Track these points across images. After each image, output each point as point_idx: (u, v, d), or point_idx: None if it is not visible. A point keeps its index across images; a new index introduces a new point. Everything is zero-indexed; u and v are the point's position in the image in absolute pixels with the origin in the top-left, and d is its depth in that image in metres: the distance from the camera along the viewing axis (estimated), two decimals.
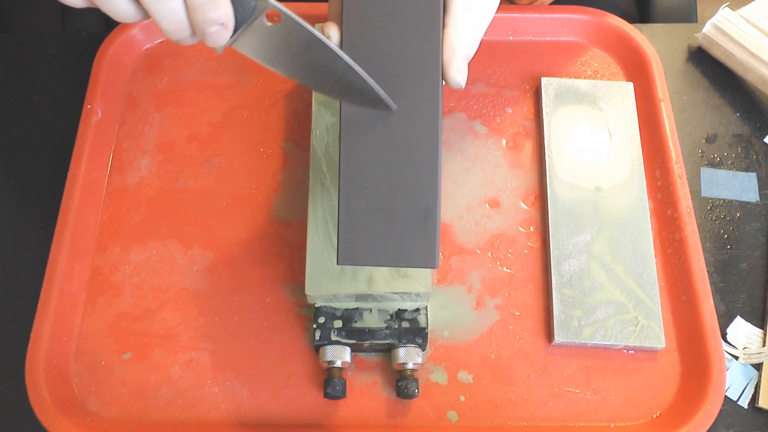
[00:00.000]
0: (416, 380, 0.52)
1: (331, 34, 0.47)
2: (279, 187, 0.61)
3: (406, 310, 0.53)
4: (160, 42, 0.69)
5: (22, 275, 0.58)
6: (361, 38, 0.47)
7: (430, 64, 0.47)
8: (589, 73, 0.68)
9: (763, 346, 0.56)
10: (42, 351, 0.53)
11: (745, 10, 0.67)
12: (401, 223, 0.46)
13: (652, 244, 0.58)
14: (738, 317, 0.57)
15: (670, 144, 0.62)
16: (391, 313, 0.53)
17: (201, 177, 0.62)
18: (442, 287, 0.57)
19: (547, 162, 0.61)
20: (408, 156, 0.46)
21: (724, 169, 0.64)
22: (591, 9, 0.69)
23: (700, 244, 0.57)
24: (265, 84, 0.66)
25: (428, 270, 0.53)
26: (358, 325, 0.53)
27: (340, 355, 0.52)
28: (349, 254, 0.46)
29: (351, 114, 0.47)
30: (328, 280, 0.52)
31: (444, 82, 0.48)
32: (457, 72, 0.47)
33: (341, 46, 0.47)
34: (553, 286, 0.56)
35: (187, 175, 0.62)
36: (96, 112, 0.63)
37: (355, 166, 0.46)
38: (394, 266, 0.46)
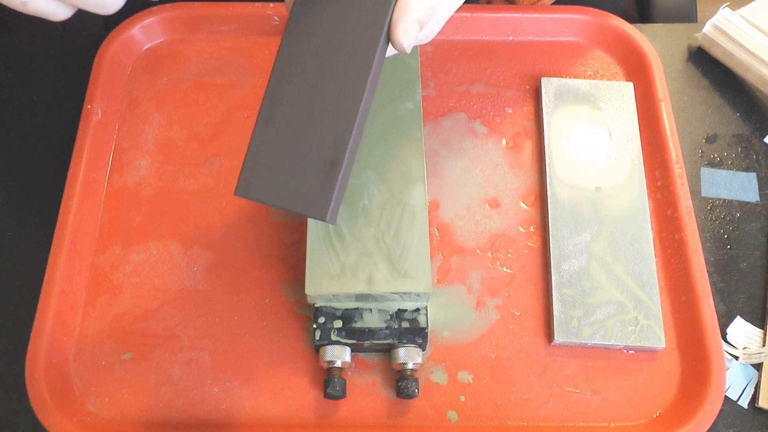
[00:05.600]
0: (416, 380, 0.52)
1: None
2: None
3: (406, 310, 0.53)
4: (160, 42, 0.69)
5: (22, 275, 0.58)
6: None
7: (378, 20, 0.46)
8: (589, 73, 0.68)
9: (763, 346, 0.56)
10: (42, 351, 0.53)
11: (745, 10, 0.67)
12: (306, 169, 0.45)
13: (652, 244, 0.58)
14: (738, 317, 0.57)
15: (670, 144, 0.62)
16: (391, 313, 0.53)
17: (201, 177, 0.62)
18: (442, 287, 0.57)
19: (547, 162, 0.61)
20: (331, 105, 0.45)
21: (724, 169, 0.64)
22: (591, 9, 0.69)
23: (700, 244, 0.57)
24: (265, 84, 0.66)
25: (428, 270, 0.53)
26: (358, 325, 0.53)
27: (340, 355, 0.52)
28: (247, 187, 0.45)
29: (288, 48, 0.46)
30: (328, 280, 0.52)
31: (389, 43, 0.47)
32: (404, 33, 0.46)
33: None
34: (553, 286, 0.56)
35: (187, 175, 0.62)
36: (96, 112, 0.63)
37: (278, 101, 0.45)
38: (288, 209, 0.46)
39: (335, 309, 0.53)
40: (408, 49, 0.47)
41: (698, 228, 0.58)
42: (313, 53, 0.46)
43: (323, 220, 0.45)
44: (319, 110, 0.45)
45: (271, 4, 0.68)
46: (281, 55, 0.46)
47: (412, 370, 0.52)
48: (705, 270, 0.56)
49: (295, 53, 0.46)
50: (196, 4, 0.68)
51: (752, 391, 0.54)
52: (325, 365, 0.52)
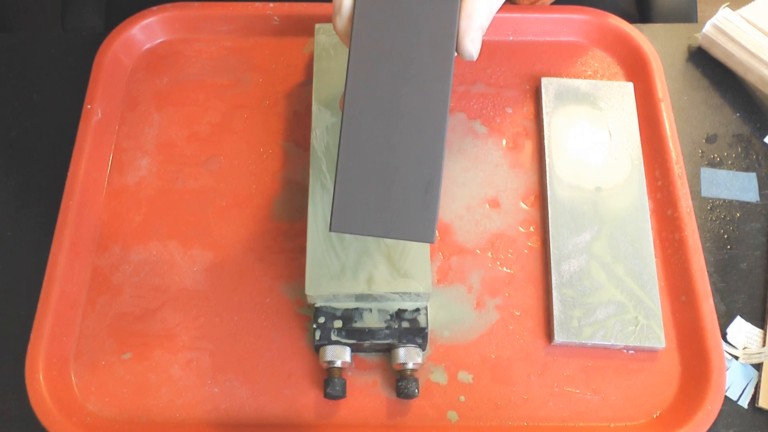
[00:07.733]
0: (416, 380, 0.52)
1: (344, 1, 0.46)
2: (279, 187, 0.61)
3: (406, 310, 0.53)
4: (160, 42, 0.69)
5: (22, 275, 0.58)
6: (375, 3, 0.46)
7: (445, 32, 0.45)
8: (589, 73, 0.68)
9: (763, 346, 0.56)
10: (42, 351, 0.53)
11: (745, 10, 0.67)
12: (400, 193, 0.44)
13: (652, 244, 0.58)
14: (738, 317, 0.57)
15: (670, 144, 0.62)
16: (391, 313, 0.53)
17: (201, 177, 0.62)
18: (442, 287, 0.57)
19: (547, 162, 0.61)
20: (414, 124, 0.44)
21: (724, 169, 0.64)
22: (591, 9, 0.69)
23: (700, 244, 0.57)
24: (265, 84, 0.66)
25: (428, 270, 0.53)
26: (358, 325, 0.53)
27: (340, 355, 0.52)
28: (342, 222, 0.44)
29: (358, 75, 0.45)
30: (328, 280, 0.52)
31: (456, 54, 0.47)
32: (472, 43, 0.46)
33: (353, 11, 0.46)
34: (553, 286, 0.56)
35: (187, 175, 0.62)
36: (96, 112, 0.63)
37: (357, 130, 0.44)
38: (389, 237, 0.45)
39: (335, 309, 0.53)
40: (476, 57, 0.47)
41: (698, 228, 0.58)
42: (384, 74, 0.45)
43: (429, 242, 0.44)
44: (402, 132, 0.44)
45: (271, 4, 0.68)
46: (351, 80, 0.45)
47: (412, 370, 0.52)
48: (705, 270, 0.56)
49: (365, 77, 0.45)
50: (196, 4, 0.68)
51: (752, 391, 0.54)
52: (325, 365, 0.52)
